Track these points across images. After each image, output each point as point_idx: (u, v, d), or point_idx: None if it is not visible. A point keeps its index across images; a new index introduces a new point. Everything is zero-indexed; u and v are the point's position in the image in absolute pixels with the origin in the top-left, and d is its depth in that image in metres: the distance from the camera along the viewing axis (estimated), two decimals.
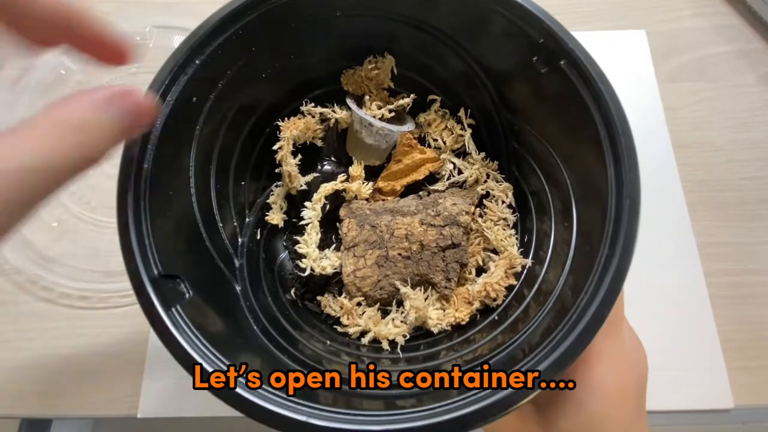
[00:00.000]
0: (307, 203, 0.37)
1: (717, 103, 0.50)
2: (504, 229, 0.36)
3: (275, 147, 0.36)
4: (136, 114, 0.21)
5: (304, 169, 0.38)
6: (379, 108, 0.38)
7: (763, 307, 0.43)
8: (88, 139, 0.19)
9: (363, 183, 0.38)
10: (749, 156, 0.48)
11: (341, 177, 0.38)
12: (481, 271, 0.36)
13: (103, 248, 0.44)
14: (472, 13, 0.32)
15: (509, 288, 0.33)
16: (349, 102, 0.38)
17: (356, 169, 0.38)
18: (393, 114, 0.38)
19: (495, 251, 0.36)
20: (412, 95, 0.38)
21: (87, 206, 0.46)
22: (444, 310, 0.34)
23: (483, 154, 0.39)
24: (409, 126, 0.39)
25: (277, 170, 0.38)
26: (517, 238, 0.36)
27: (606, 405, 0.25)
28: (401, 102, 0.38)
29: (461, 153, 0.40)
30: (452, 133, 0.39)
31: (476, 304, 0.34)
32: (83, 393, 0.40)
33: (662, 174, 0.47)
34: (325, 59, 0.37)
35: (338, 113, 0.38)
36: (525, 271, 0.34)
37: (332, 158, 0.39)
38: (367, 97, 0.39)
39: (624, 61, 0.52)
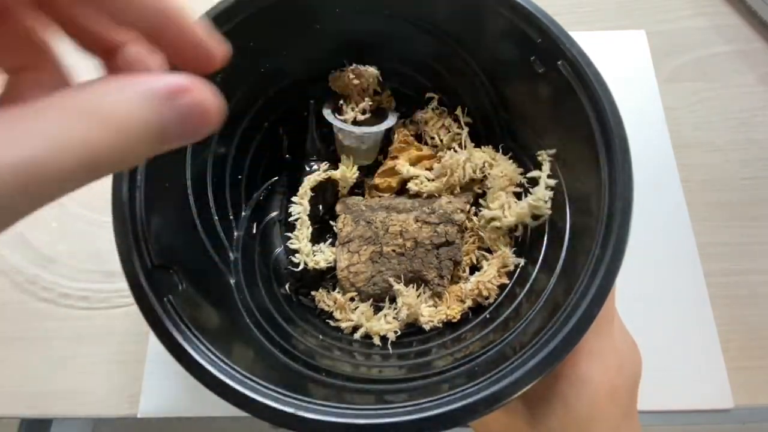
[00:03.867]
0: (294, 198, 0.38)
1: (717, 103, 0.50)
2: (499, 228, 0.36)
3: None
4: (197, 120, 0.15)
5: (295, 171, 0.39)
6: (353, 110, 0.38)
7: (763, 307, 0.43)
8: (124, 143, 0.13)
9: (348, 168, 0.39)
10: (749, 156, 0.48)
11: (323, 166, 0.38)
12: (474, 269, 0.36)
13: (103, 248, 0.45)
14: (471, 11, 0.32)
15: (502, 287, 0.34)
16: (325, 109, 0.38)
17: (345, 164, 0.39)
18: (368, 115, 0.38)
19: (489, 250, 0.36)
20: (366, 99, 0.38)
21: (87, 206, 0.46)
22: (436, 308, 0.34)
23: None
24: (383, 125, 0.39)
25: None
26: (511, 238, 0.36)
27: (594, 404, 0.25)
28: (363, 105, 0.38)
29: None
30: (449, 131, 0.39)
31: (468, 302, 0.34)
32: (83, 393, 0.40)
33: (662, 174, 0.47)
34: (322, 56, 0.37)
35: None
36: (518, 271, 0.34)
37: (316, 158, 0.39)
38: (341, 101, 0.39)
39: (624, 61, 0.52)
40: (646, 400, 0.39)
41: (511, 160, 0.36)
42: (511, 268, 0.34)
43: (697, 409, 0.40)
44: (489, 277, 0.33)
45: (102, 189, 0.46)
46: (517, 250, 0.35)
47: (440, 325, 0.33)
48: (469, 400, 0.22)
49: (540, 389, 0.26)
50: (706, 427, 0.40)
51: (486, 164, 0.36)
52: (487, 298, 0.33)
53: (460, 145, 0.39)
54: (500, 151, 0.37)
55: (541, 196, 0.32)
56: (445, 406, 0.22)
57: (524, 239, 0.35)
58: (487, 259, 0.35)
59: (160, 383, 0.40)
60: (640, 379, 0.28)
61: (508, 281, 0.34)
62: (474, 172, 0.36)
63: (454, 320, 0.33)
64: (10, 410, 0.40)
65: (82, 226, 0.45)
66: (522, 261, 0.34)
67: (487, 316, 0.32)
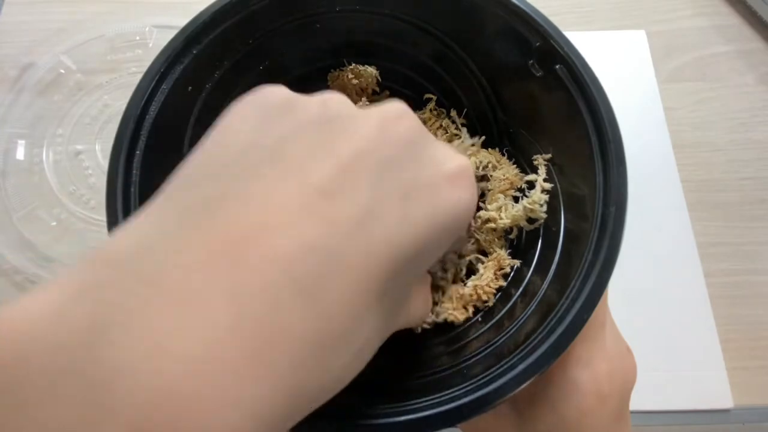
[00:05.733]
0: None
1: (717, 103, 0.50)
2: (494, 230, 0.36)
3: None
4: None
5: None
6: None
7: (763, 307, 0.43)
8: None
9: None
10: (749, 156, 0.48)
11: None
12: (470, 272, 0.36)
13: None
14: (470, 12, 0.32)
15: (498, 289, 0.33)
16: None
17: None
18: None
19: (485, 253, 0.36)
20: (365, 99, 0.38)
21: (87, 206, 0.46)
22: (436, 303, 0.34)
23: None
24: None
25: None
26: (506, 240, 0.36)
27: (581, 411, 0.25)
28: (361, 104, 0.38)
29: None
30: (447, 132, 0.39)
31: (471, 310, 0.33)
32: None
33: (662, 174, 0.47)
34: (319, 56, 0.37)
35: None
36: (513, 272, 0.34)
37: None
38: None
39: (624, 62, 0.52)
40: (645, 400, 0.39)
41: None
42: (507, 270, 0.34)
43: (697, 409, 0.40)
44: (486, 281, 0.33)
45: (101, 189, 0.46)
46: (512, 252, 0.35)
47: (428, 326, 0.33)
48: (457, 402, 0.22)
49: (529, 393, 0.26)
50: (706, 427, 0.40)
51: (490, 165, 0.36)
52: (486, 302, 0.33)
53: (457, 147, 0.39)
54: None
55: (537, 199, 0.32)
56: (434, 408, 0.22)
57: (519, 242, 0.35)
58: (482, 262, 0.35)
59: None
60: (633, 385, 0.28)
61: (504, 283, 0.33)
62: (477, 168, 0.36)
63: (457, 322, 0.33)
64: None
65: (82, 226, 0.45)
66: (518, 263, 0.34)
67: (479, 318, 0.32)
